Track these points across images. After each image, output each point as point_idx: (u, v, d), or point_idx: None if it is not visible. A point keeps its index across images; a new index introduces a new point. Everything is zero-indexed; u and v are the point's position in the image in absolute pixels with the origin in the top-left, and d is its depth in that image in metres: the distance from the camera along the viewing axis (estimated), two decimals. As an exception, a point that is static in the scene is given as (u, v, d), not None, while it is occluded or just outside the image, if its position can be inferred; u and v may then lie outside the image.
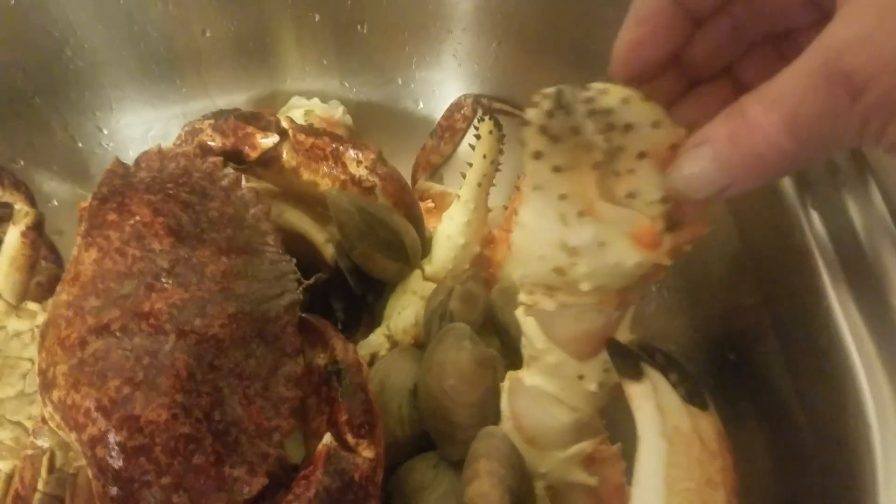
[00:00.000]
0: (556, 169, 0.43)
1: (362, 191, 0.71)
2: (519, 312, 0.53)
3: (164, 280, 0.55)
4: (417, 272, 0.71)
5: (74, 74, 0.79)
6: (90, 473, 0.52)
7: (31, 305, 0.70)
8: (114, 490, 0.50)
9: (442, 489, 0.60)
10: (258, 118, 0.71)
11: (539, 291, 0.50)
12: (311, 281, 0.60)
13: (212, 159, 0.65)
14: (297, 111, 0.85)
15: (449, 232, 0.71)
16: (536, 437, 0.57)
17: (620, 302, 0.49)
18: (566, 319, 0.50)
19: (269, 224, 0.63)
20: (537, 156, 0.43)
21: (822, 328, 0.53)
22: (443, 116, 0.92)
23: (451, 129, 0.90)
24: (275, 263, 0.60)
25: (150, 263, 0.56)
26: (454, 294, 0.66)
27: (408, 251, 0.70)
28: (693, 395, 0.48)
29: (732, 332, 0.67)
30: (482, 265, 0.74)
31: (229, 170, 0.66)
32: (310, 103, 0.87)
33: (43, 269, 0.76)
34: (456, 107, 0.90)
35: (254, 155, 0.70)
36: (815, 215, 0.56)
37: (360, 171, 0.70)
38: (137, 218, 0.58)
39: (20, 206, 0.71)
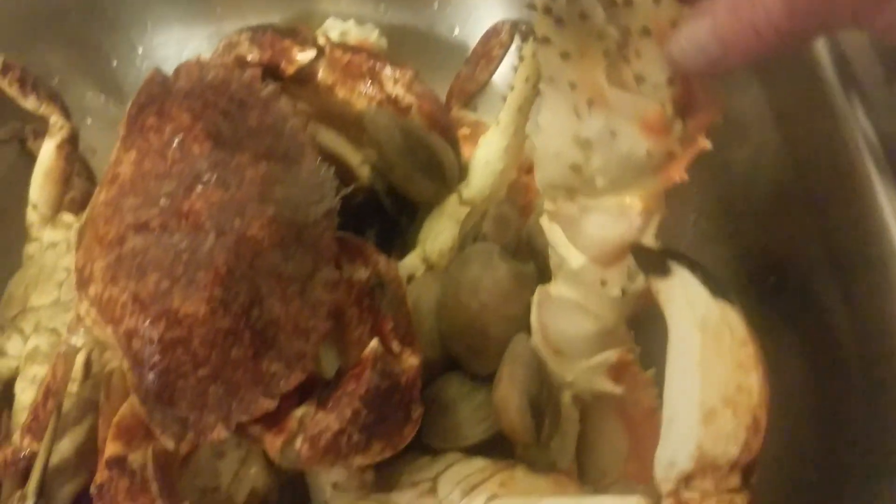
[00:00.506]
0: (565, 56, 0.44)
1: (398, 111, 0.70)
2: (543, 220, 0.53)
3: (203, 181, 0.55)
4: (454, 196, 0.70)
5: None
6: (125, 366, 0.52)
7: (66, 217, 0.70)
8: (150, 380, 0.50)
9: (478, 401, 0.60)
10: (296, 33, 0.70)
11: (561, 196, 0.50)
12: (349, 189, 0.60)
13: (250, 71, 0.64)
14: (332, 33, 0.84)
15: (487, 157, 0.70)
16: (562, 346, 0.57)
17: (643, 206, 0.48)
18: (588, 224, 0.50)
19: (307, 135, 0.62)
20: (545, 41, 0.44)
21: (873, 238, 0.52)
22: (479, 43, 0.89)
23: (486, 56, 0.88)
24: (313, 171, 0.59)
25: (190, 166, 0.56)
26: (487, 216, 0.65)
27: (446, 172, 0.69)
28: (720, 291, 0.47)
29: (775, 255, 0.66)
30: (520, 192, 0.73)
31: (268, 82, 0.65)
32: (345, 25, 0.85)
33: (76, 185, 0.75)
34: (493, 33, 0.88)
35: (290, 70, 0.69)
36: (866, 122, 0.55)
37: (397, 90, 0.69)
38: (177, 123, 0.58)
39: (55, 118, 0.71)
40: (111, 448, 0.52)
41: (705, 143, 0.46)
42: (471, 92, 0.89)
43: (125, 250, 0.53)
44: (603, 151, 0.46)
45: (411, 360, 0.54)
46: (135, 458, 0.51)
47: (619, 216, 0.49)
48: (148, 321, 0.50)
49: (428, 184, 0.69)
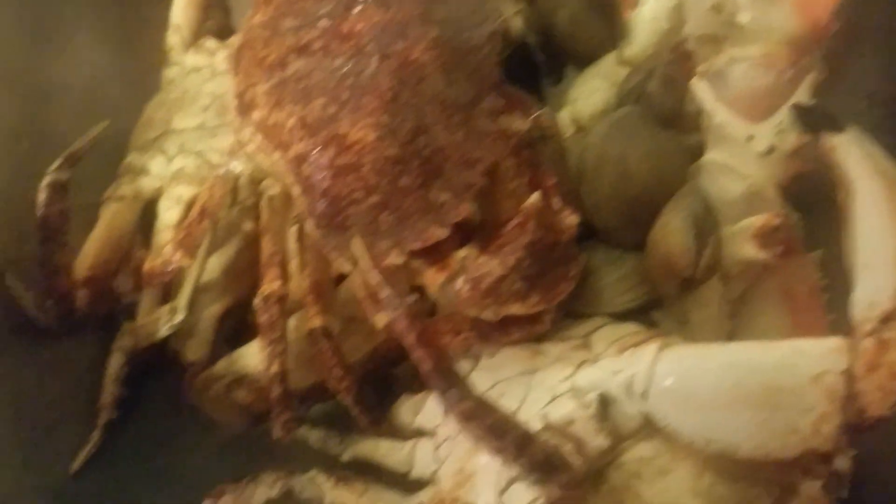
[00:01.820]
0: None
1: None
2: (693, 81, 0.52)
3: (362, 1, 0.53)
4: (612, 55, 0.66)
5: None
6: (295, 192, 0.52)
7: (209, 42, 0.69)
8: (323, 206, 0.51)
9: (625, 269, 0.58)
10: None
11: (709, 48, 0.50)
12: (517, 10, 0.57)
13: None
14: None
15: (654, 13, 0.64)
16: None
17: (792, 58, 0.48)
18: (735, 75, 0.50)
19: None
20: None
21: None
22: None
23: None
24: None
25: None
26: (655, 75, 0.62)
27: (618, 23, 0.65)
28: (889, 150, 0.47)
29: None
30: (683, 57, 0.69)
31: None
32: None
33: (214, 16, 0.74)
34: None
35: None
36: None
37: None
38: (329, -57, 0.55)
39: None
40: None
41: None
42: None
43: (288, 74, 0.52)
44: None
45: (571, 219, 0.52)
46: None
47: (767, 66, 0.48)
48: (318, 147, 0.50)
49: (597, 26, 0.65)
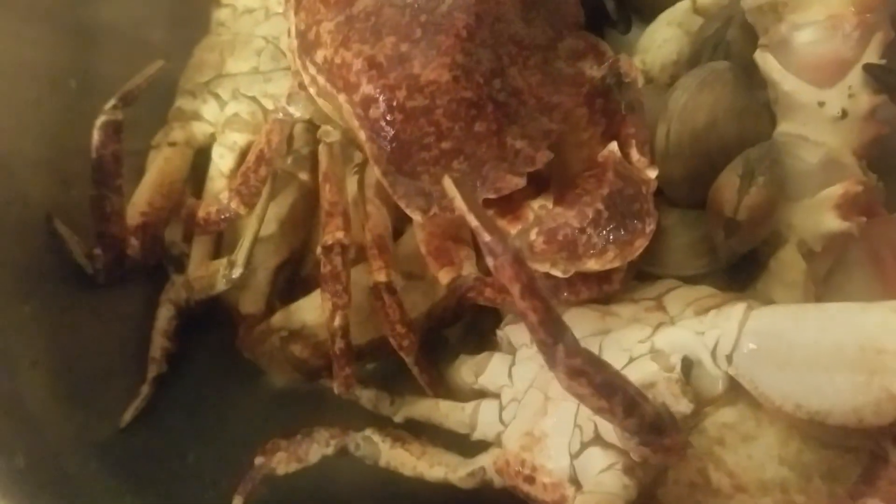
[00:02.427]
0: None
1: None
2: (757, 54, 0.51)
3: None
4: (684, 2, 0.63)
5: None
6: (361, 137, 0.49)
7: (262, -20, 0.66)
8: (392, 151, 0.48)
9: (700, 232, 0.55)
10: None
11: (771, 21, 0.49)
12: None
13: None
14: None
15: None
16: (787, 188, 0.53)
17: (857, 20, 0.47)
18: (799, 42, 0.49)
19: None
20: None
21: None
22: None
23: None
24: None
25: None
26: (734, 22, 0.58)
27: None
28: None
29: None
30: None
31: None
32: None
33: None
34: None
35: None
36: None
37: None
38: None
39: None
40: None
41: None
42: None
43: (356, 10, 0.50)
44: None
45: (649, 171, 0.49)
46: None
47: (831, 28, 0.47)
48: (388, 88, 0.47)
49: None
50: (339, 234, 0.52)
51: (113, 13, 0.68)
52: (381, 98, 0.48)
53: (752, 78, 0.54)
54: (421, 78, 0.47)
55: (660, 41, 0.62)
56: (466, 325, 0.62)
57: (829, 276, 0.53)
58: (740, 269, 0.55)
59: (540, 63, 0.50)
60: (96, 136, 0.55)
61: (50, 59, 0.63)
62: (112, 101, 0.55)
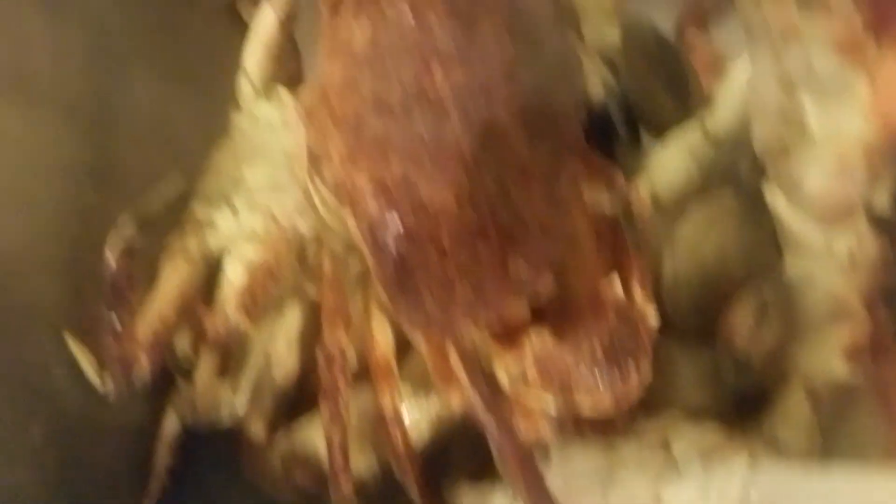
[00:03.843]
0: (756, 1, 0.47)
1: None
2: (765, 188, 0.51)
3: (443, 58, 0.51)
4: (696, 127, 0.63)
5: None
6: (367, 253, 0.50)
7: (282, 92, 0.67)
8: (394, 270, 0.48)
9: (703, 363, 0.55)
10: None
11: (780, 158, 0.49)
12: (598, 73, 0.54)
13: None
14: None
15: (743, 88, 0.62)
16: (795, 327, 0.52)
17: (865, 163, 0.47)
18: (806, 180, 0.48)
19: (550, 11, 0.57)
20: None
21: None
22: None
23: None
24: (559, 54, 0.54)
25: (430, 41, 0.51)
26: (744, 152, 0.58)
27: (692, 97, 0.63)
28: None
29: None
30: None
31: None
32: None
33: (287, 59, 0.72)
34: None
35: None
36: None
37: None
38: (411, -8, 0.53)
39: None
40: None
41: None
42: (710, 13, 0.80)
43: (364, 132, 0.50)
44: (805, 86, 0.46)
45: (651, 316, 0.49)
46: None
47: (840, 170, 0.47)
48: (393, 209, 0.48)
49: (669, 105, 0.63)
50: (341, 342, 0.53)
51: (136, 109, 0.69)
52: (385, 219, 0.48)
53: (760, 208, 0.54)
54: (426, 202, 0.47)
55: (668, 165, 0.62)
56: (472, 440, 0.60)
57: (837, 417, 0.52)
58: (746, 399, 0.54)
59: (544, 188, 0.49)
60: (110, 259, 0.55)
61: (69, 156, 0.63)
62: (127, 224, 0.55)
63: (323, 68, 0.55)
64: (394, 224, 0.48)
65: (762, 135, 0.50)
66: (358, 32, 0.53)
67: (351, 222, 0.50)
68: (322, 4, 0.59)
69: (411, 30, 0.51)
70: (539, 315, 0.48)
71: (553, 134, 0.51)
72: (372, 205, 0.48)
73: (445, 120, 0.49)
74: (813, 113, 0.47)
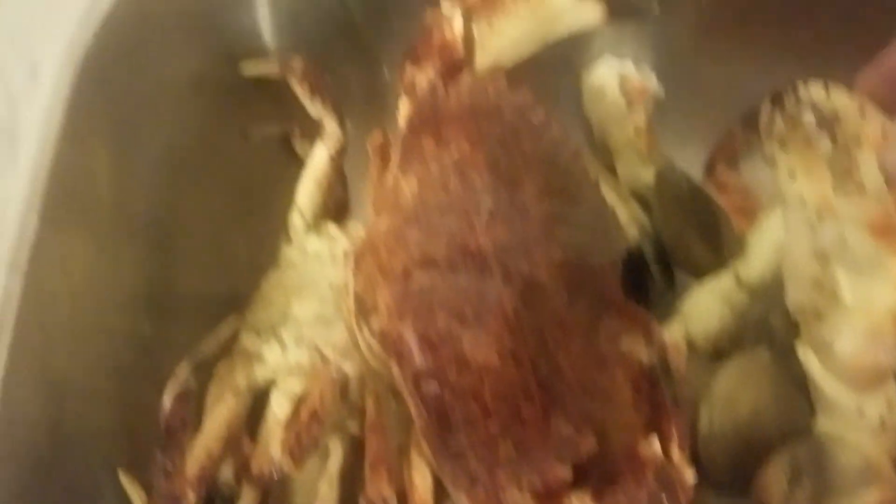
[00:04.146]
0: (792, 173, 0.49)
1: None
2: (797, 346, 0.52)
3: (487, 217, 0.53)
4: (731, 275, 0.64)
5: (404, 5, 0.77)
6: (412, 406, 0.51)
7: (332, 228, 0.70)
8: (439, 427, 0.49)
9: None
10: None
11: (812, 320, 0.50)
12: (633, 218, 0.56)
13: (522, 94, 0.61)
14: (608, 72, 0.80)
15: (777, 240, 0.63)
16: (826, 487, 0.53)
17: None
18: (839, 346, 0.49)
19: (583, 167, 0.59)
20: (772, 160, 0.50)
21: None
22: (762, 105, 0.82)
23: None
24: (596, 213, 0.57)
25: (473, 199, 0.54)
26: (778, 307, 0.58)
27: (725, 244, 0.64)
28: None
29: None
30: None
31: (538, 106, 0.61)
32: (622, 65, 0.80)
33: (336, 193, 0.76)
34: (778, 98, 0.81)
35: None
36: None
37: None
38: (456, 150, 0.56)
39: (333, 128, 0.71)
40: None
41: None
42: (741, 154, 0.83)
43: (411, 286, 0.52)
44: (839, 261, 0.48)
45: (689, 475, 0.49)
46: None
47: (872, 338, 0.48)
48: (439, 366, 0.49)
49: (703, 251, 0.64)
50: (384, 490, 0.53)
51: (193, 236, 0.72)
52: (431, 376, 0.49)
53: (794, 364, 0.55)
54: (470, 359, 0.49)
55: (703, 311, 0.63)
56: None
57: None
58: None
59: (584, 344, 0.51)
60: (166, 403, 0.57)
61: (128, 284, 0.66)
62: (184, 367, 0.58)
63: (371, 219, 0.58)
64: (439, 380, 0.49)
65: (795, 298, 0.51)
66: (405, 188, 0.56)
67: (396, 372, 0.51)
68: (371, 153, 0.63)
69: (456, 188, 0.54)
70: (578, 472, 0.49)
71: (592, 289, 0.53)
72: (418, 358, 0.50)
73: (488, 276, 0.51)
74: (846, 285, 0.49)
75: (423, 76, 0.61)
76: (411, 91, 0.61)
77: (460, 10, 0.63)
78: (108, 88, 0.63)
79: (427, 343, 0.50)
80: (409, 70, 0.62)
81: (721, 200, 0.71)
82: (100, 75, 0.62)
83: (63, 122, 0.59)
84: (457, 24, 0.62)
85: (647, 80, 0.78)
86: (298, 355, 0.64)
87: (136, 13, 0.65)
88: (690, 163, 0.82)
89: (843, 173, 0.49)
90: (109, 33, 0.63)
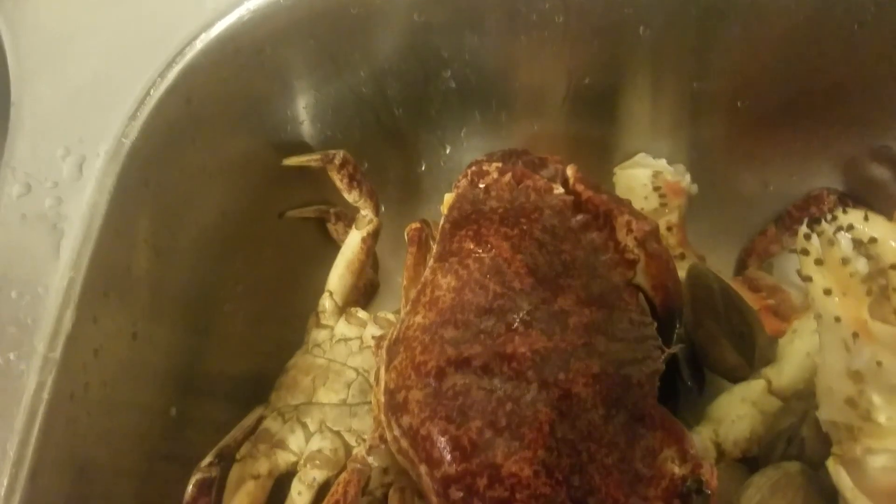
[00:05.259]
0: (827, 291, 0.50)
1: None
2: (829, 462, 0.52)
3: (525, 323, 0.53)
4: (762, 382, 0.64)
5: (442, 95, 0.78)
6: None
7: (361, 313, 0.70)
8: None
9: None
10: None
11: (844, 435, 0.50)
12: (674, 350, 0.56)
13: (561, 197, 0.61)
14: (642, 170, 0.81)
15: (809, 349, 0.63)
16: None
17: None
18: (872, 467, 0.50)
19: (621, 274, 0.59)
20: (808, 278, 0.51)
21: None
22: (795, 206, 0.83)
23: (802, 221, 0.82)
24: (635, 323, 0.56)
25: (512, 302, 0.53)
26: (809, 419, 0.59)
27: (756, 350, 0.64)
28: None
29: None
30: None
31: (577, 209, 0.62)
32: (657, 164, 0.82)
33: (365, 275, 0.76)
34: (814, 200, 0.82)
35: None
36: None
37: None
38: (496, 251, 0.56)
39: (368, 213, 0.72)
40: None
41: None
42: (773, 254, 0.84)
43: (445, 386, 0.51)
44: (874, 383, 0.48)
45: None
46: None
47: None
48: (469, 473, 0.48)
49: (732, 356, 0.64)
50: None
51: (226, 315, 0.73)
52: (460, 482, 0.49)
53: (824, 479, 0.55)
54: (503, 469, 0.48)
55: (734, 416, 0.63)
56: None
57: None
58: None
59: (618, 462, 0.50)
60: (190, 490, 0.57)
61: (164, 361, 0.66)
62: (209, 458, 0.58)
63: (406, 311, 0.57)
64: (469, 487, 0.48)
65: (828, 414, 0.51)
66: (442, 283, 0.56)
67: (424, 470, 0.51)
68: (408, 242, 0.63)
69: (494, 289, 0.54)
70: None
71: (628, 402, 0.52)
72: (448, 464, 0.49)
73: (524, 384, 0.50)
74: (881, 406, 0.49)
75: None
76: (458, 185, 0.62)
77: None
78: (151, 180, 0.64)
79: (459, 448, 0.49)
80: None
81: (751, 299, 0.71)
82: (144, 168, 0.63)
83: (106, 214, 0.60)
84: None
85: (682, 178, 0.79)
86: (321, 443, 0.64)
87: (183, 108, 0.66)
88: (722, 262, 0.83)
89: (880, 296, 0.49)
90: (156, 127, 0.64)
